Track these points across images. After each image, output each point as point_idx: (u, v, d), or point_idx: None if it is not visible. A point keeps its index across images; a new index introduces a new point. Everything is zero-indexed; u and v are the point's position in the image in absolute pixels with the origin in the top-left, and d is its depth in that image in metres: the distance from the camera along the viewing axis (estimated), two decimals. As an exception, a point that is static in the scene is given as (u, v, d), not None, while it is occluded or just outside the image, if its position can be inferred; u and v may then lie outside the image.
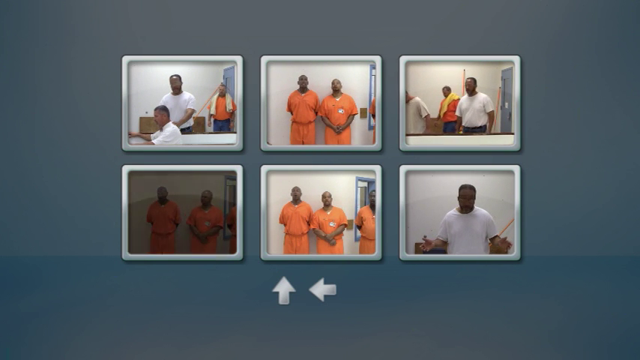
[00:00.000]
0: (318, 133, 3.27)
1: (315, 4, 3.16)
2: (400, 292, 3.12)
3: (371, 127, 3.21)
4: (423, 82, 3.18)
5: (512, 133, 3.17)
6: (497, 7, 3.14)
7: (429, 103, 3.21)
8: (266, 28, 3.15)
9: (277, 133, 3.20)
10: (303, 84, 3.21)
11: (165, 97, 3.22)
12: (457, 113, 3.24)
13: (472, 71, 3.19)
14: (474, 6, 3.14)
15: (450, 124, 3.25)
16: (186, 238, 3.23)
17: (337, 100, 3.24)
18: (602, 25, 3.12)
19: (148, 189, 3.16)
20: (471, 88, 3.21)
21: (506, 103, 3.20)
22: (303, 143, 3.22)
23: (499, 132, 3.23)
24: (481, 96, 3.22)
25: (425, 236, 3.17)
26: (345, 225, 3.23)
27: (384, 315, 3.11)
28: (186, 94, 3.24)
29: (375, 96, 3.16)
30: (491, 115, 3.24)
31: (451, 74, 3.21)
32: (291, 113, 3.23)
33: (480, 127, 3.26)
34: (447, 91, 3.22)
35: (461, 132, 3.24)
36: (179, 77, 3.20)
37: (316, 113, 3.26)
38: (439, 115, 3.23)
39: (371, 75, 3.17)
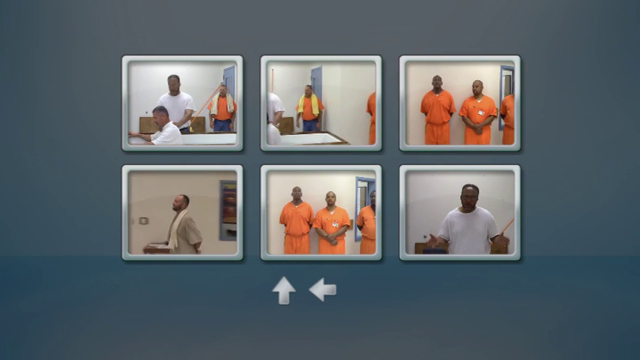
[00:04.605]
0: (454, 134, 3.26)
1: (315, 4, 3.16)
2: (400, 292, 3.13)
3: (501, 127, 3.22)
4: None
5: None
6: (497, 7, 3.14)
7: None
8: (266, 28, 3.15)
9: (413, 134, 3.20)
10: (437, 84, 3.19)
11: (163, 98, 3.21)
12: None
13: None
14: (474, 6, 3.14)
15: (307, 123, 3.27)
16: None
17: (478, 102, 3.21)
18: (602, 25, 3.13)
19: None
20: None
21: None
22: (437, 144, 3.21)
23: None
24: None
25: (425, 236, 3.17)
26: (348, 226, 3.22)
27: (384, 315, 3.11)
28: (184, 95, 3.23)
29: (504, 96, 3.17)
30: None
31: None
32: (425, 114, 3.22)
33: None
34: (308, 89, 3.22)
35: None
36: (178, 78, 3.19)
37: (450, 113, 3.25)
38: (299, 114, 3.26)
39: (501, 76, 3.16)
